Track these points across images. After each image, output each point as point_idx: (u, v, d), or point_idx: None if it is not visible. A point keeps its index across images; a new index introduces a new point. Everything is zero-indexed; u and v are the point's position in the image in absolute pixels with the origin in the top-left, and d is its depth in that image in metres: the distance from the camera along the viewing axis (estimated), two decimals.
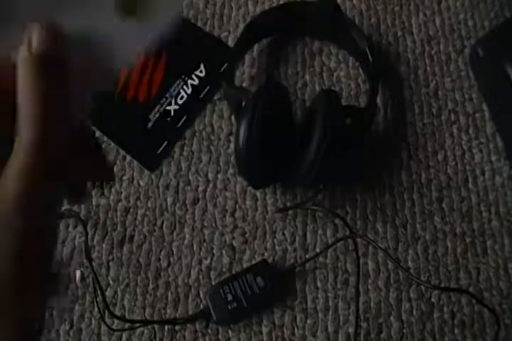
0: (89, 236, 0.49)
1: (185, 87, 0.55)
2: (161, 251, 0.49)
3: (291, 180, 0.46)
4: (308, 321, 0.47)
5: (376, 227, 0.49)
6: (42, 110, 0.21)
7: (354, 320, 0.46)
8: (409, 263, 0.48)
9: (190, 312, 0.47)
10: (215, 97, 0.55)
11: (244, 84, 0.55)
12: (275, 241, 0.49)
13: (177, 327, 0.47)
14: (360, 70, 0.55)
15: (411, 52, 0.56)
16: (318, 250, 0.49)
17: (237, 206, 0.50)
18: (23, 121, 0.21)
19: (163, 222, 0.50)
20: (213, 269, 0.48)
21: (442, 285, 0.48)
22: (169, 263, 0.49)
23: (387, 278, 0.48)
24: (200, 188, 0.51)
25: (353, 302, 0.47)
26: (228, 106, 0.52)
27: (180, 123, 0.54)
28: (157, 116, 0.54)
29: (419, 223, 0.50)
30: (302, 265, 0.48)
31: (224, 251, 0.49)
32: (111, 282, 0.48)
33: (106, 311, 0.45)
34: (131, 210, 0.51)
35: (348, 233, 0.48)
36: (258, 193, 0.51)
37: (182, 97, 0.55)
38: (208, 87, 0.55)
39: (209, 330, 0.47)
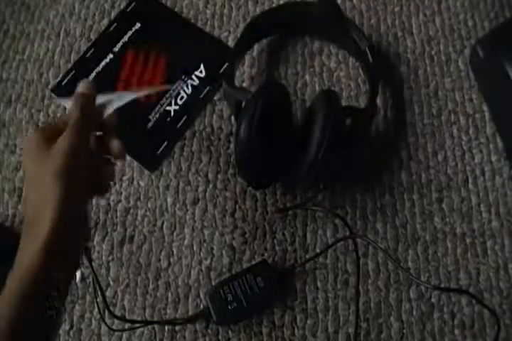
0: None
1: (185, 87, 0.55)
2: (161, 251, 0.49)
3: (291, 180, 0.46)
4: (308, 321, 0.47)
5: (376, 227, 0.49)
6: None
7: (354, 320, 0.46)
8: (409, 263, 0.48)
9: (190, 313, 0.47)
10: (215, 97, 0.55)
11: (244, 84, 0.55)
12: (275, 241, 0.49)
13: (177, 328, 0.47)
14: (360, 70, 0.55)
15: (411, 53, 0.56)
16: (318, 250, 0.49)
17: (237, 206, 0.50)
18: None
19: (163, 223, 0.50)
20: (213, 269, 0.48)
21: (442, 285, 0.48)
22: (169, 264, 0.49)
23: (387, 278, 0.48)
24: (200, 188, 0.51)
25: (353, 302, 0.47)
26: (228, 106, 0.52)
27: (180, 124, 0.54)
28: (157, 116, 0.54)
29: (419, 223, 0.50)
30: (302, 265, 0.48)
31: (224, 252, 0.49)
32: (111, 282, 0.48)
33: (106, 311, 0.45)
34: (131, 211, 0.51)
35: (348, 233, 0.48)
36: (258, 193, 0.51)
37: (182, 97, 0.55)
38: (208, 87, 0.55)
39: (209, 330, 0.47)
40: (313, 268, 0.48)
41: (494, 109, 0.53)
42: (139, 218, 0.50)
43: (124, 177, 0.52)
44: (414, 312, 0.47)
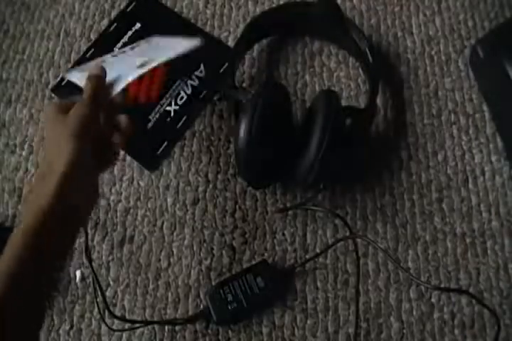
0: (89, 236, 0.49)
1: (185, 88, 0.55)
2: (161, 251, 0.49)
3: (291, 180, 0.46)
4: (308, 321, 0.47)
5: (376, 227, 0.49)
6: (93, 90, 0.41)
7: (354, 320, 0.46)
8: (409, 263, 0.48)
9: (190, 313, 0.47)
10: (215, 97, 0.54)
11: (244, 84, 0.55)
12: (275, 241, 0.49)
13: (177, 328, 0.47)
14: (360, 70, 0.55)
15: (411, 53, 0.56)
16: (318, 250, 0.49)
17: (237, 206, 0.50)
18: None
19: (163, 223, 0.50)
20: (213, 269, 0.48)
21: (442, 285, 0.48)
22: (169, 264, 0.49)
23: (387, 278, 0.48)
24: (200, 188, 0.51)
25: (353, 302, 0.47)
26: (228, 106, 0.52)
27: (180, 124, 0.54)
28: (157, 116, 0.54)
29: (419, 223, 0.50)
30: (302, 265, 0.48)
31: (224, 252, 0.49)
32: (111, 282, 0.48)
33: (106, 311, 0.45)
34: (131, 211, 0.51)
35: (348, 233, 0.48)
36: (258, 193, 0.51)
37: (182, 98, 0.55)
38: (208, 87, 0.55)
39: (209, 330, 0.47)
40: (313, 268, 0.48)
41: (494, 109, 0.53)
42: (139, 218, 0.50)
43: (124, 177, 0.52)
44: (414, 312, 0.47)
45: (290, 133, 0.46)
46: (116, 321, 0.46)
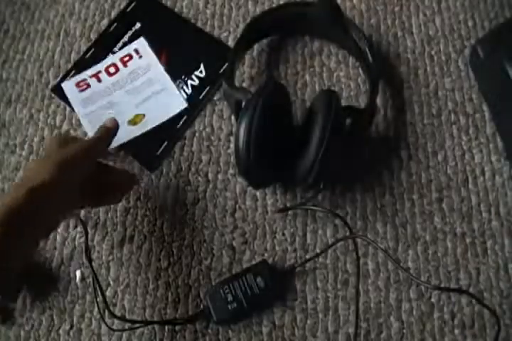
0: (89, 236, 0.49)
1: (185, 87, 0.55)
2: (161, 251, 0.49)
3: (291, 180, 0.46)
4: (308, 321, 0.47)
5: (376, 227, 0.49)
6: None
7: (354, 320, 0.46)
8: (409, 263, 0.48)
9: (190, 313, 0.47)
10: (215, 97, 0.55)
11: (244, 84, 0.55)
12: (275, 241, 0.49)
13: (177, 328, 0.47)
14: (360, 70, 0.55)
15: (411, 53, 0.56)
16: (318, 250, 0.49)
17: (237, 206, 0.50)
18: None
19: (163, 223, 0.50)
20: (213, 269, 0.48)
21: (442, 285, 0.48)
22: (169, 264, 0.49)
23: (387, 278, 0.48)
24: (200, 188, 0.51)
25: (353, 302, 0.47)
26: (228, 106, 0.52)
27: (180, 124, 0.54)
28: None
29: (419, 223, 0.50)
30: (302, 265, 0.48)
31: (224, 252, 0.49)
32: (111, 282, 0.48)
33: (106, 311, 0.45)
34: (132, 210, 0.51)
35: (348, 233, 0.48)
36: (258, 193, 0.51)
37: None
38: (208, 87, 0.55)
39: (209, 330, 0.47)
40: (313, 268, 0.48)
41: (494, 109, 0.53)
42: (139, 218, 0.50)
43: None
44: (414, 312, 0.47)
45: (290, 133, 0.46)
46: (116, 321, 0.46)
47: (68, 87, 0.55)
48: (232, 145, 0.52)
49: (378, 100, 0.53)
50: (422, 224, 0.50)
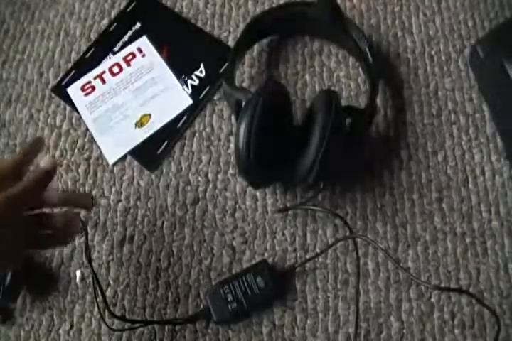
0: (89, 236, 0.49)
1: (185, 87, 0.55)
2: (161, 251, 0.49)
3: (291, 180, 0.46)
4: (308, 321, 0.47)
5: (376, 227, 0.49)
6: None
7: (354, 320, 0.46)
8: (409, 263, 0.48)
9: (190, 313, 0.47)
10: (215, 97, 0.55)
11: (244, 84, 0.55)
12: (275, 241, 0.49)
13: (177, 327, 0.47)
14: (360, 70, 0.55)
15: (411, 53, 0.56)
16: (318, 250, 0.49)
17: (237, 206, 0.50)
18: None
19: (163, 222, 0.50)
20: (213, 269, 0.48)
21: (442, 285, 0.48)
22: (169, 264, 0.49)
23: (387, 278, 0.48)
24: (200, 188, 0.51)
25: (353, 302, 0.47)
26: (228, 106, 0.52)
27: (180, 124, 0.54)
28: None
29: (419, 223, 0.50)
30: (302, 265, 0.48)
31: (224, 251, 0.49)
32: (111, 282, 0.48)
33: (106, 311, 0.45)
34: (131, 210, 0.51)
35: (348, 233, 0.48)
36: (258, 193, 0.51)
37: None
38: (208, 87, 0.55)
39: (209, 330, 0.47)
40: (313, 268, 0.48)
41: (494, 109, 0.53)
42: (139, 218, 0.50)
43: (124, 177, 0.52)
44: (414, 312, 0.47)
45: (290, 133, 0.46)
46: (116, 321, 0.46)
47: (73, 91, 0.55)
48: (232, 145, 0.52)
49: (378, 100, 0.53)
50: (422, 224, 0.50)
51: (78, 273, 0.49)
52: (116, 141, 0.53)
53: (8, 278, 0.46)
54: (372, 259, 0.48)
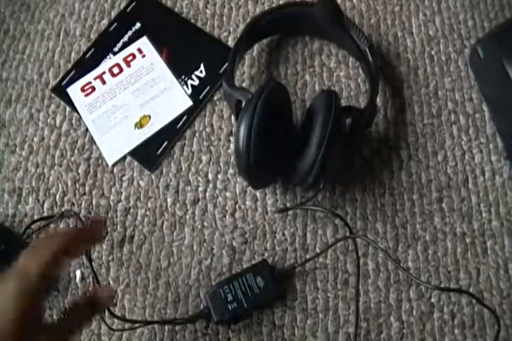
0: None
1: (185, 87, 0.55)
2: (161, 251, 0.49)
3: (291, 180, 0.46)
4: (308, 321, 0.47)
5: (376, 227, 0.49)
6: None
7: (354, 320, 0.46)
8: (409, 263, 0.48)
9: (190, 313, 0.47)
10: (215, 97, 0.55)
11: (244, 84, 0.55)
12: (275, 241, 0.49)
13: (177, 328, 0.47)
14: (360, 70, 0.55)
15: (411, 53, 0.56)
16: (318, 250, 0.49)
17: (237, 206, 0.50)
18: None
19: (163, 222, 0.50)
20: (213, 269, 0.48)
21: (442, 285, 0.48)
22: (169, 264, 0.49)
23: (387, 278, 0.48)
24: (200, 188, 0.51)
25: (353, 302, 0.47)
26: (228, 106, 0.52)
27: (180, 124, 0.54)
28: None
29: (419, 223, 0.50)
30: (302, 265, 0.48)
31: (224, 251, 0.49)
32: (111, 282, 0.48)
33: (106, 311, 0.45)
34: (131, 210, 0.51)
35: (348, 233, 0.48)
36: (258, 193, 0.51)
37: None
38: (208, 87, 0.55)
39: (209, 330, 0.47)
40: (313, 268, 0.48)
41: (494, 109, 0.53)
42: (139, 218, 0.50)
43: (124, 177, 0.52)
44: (414, 312, 0.47)
45: (290, 133, 0.46)
46: (116, 321, 0.46)
47: (73, 92, 0.55)
48: (232, 145, 0.52)
49: (378, 100, 0.53)
50: (422, 224, 0.50)
51: (78, 273, 0.49)
52: (116, 141, 0.53)
53: None
54: (372, 259, 0.48)
